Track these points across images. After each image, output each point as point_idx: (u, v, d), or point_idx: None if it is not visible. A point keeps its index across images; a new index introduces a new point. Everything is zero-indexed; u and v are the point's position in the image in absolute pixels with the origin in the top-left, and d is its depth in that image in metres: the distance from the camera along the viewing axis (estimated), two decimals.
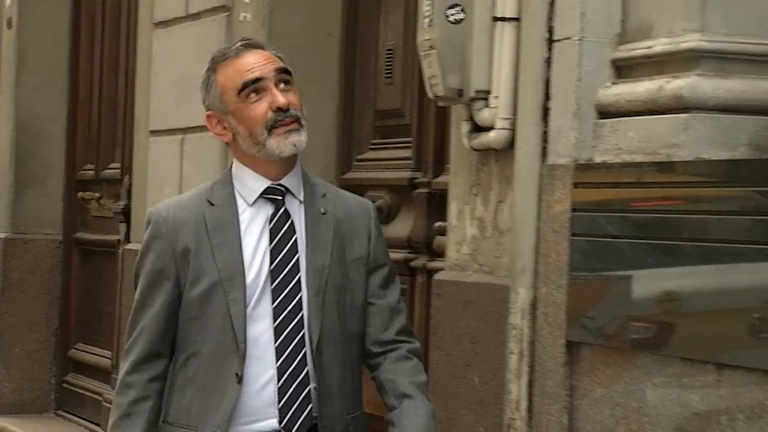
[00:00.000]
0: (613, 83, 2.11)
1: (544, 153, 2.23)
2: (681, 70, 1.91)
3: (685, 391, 1.79)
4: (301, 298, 1.72)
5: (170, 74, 4.04)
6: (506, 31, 2.38)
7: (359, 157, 3.52)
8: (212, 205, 1.74)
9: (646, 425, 1.87)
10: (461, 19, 2.41)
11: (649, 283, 1.91)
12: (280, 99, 1.68)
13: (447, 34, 2.42)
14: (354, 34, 3.54)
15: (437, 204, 2.95)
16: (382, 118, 3.42)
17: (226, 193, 1.75)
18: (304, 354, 1.70)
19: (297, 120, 1.70)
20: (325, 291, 1.73)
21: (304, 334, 1.71)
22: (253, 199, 1.74)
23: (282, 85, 1.70)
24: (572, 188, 2.08)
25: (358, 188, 3.20)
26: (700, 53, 1.87)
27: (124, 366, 1.75)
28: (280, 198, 1.75)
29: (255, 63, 1.72)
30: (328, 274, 1.73)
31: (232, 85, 1.71)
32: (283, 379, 1.69)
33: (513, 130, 2.33)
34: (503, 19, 2.38)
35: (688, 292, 1.83)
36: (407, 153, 3.24)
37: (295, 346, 1.70)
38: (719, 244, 1.73)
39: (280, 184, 1.74)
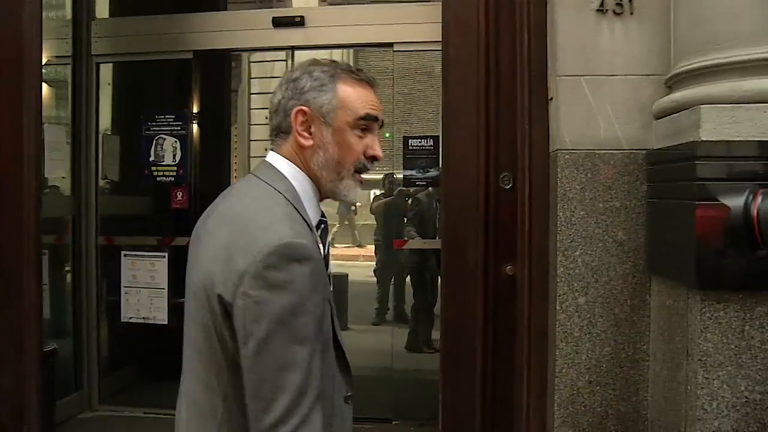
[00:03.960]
0: None
1: None
2: None
3: None
4: None
5: None
6: None
7: None
8: (308, 225, 1.52)
9: None
10: None
11: None
12: (380, 152, 1.57)
13: None
14: None
15: None
16: None
17: (303, 214, 1.52)
18: None
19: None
20: None
21: None
22: (314, 224, 1.55)
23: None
24: None
25: None
26: None
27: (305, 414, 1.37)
28: (324, 227, 1.61)
29: (378, 105, 1.59)
30: None
31: (354, 107, 1.55)
32: None
33: None
34: None
35: None
36: None
37: None
38: None
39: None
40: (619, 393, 2.88)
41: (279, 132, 1.59)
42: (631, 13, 2.88)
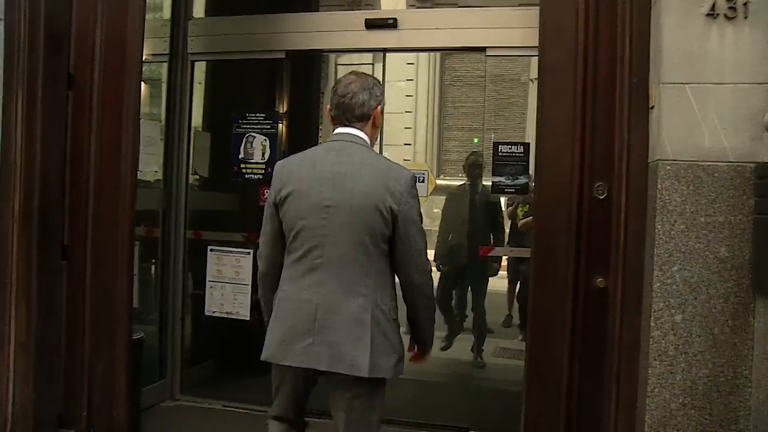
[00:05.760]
0: None
1: None
2: None
3: None
4: None
5: None
6: None
7: None
8: None
9: None
10: None
11: None
12: None
13: None
14: None
15: None
16: None
17: None
18: None
19: None
20: None
21: None
22: None
23: None
24: None
25: None
26: None
27: None
28: None
29: None
30: None
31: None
32: None
33: None
34: None
35: None
36: None
37: None
38: None
39: None
40: (717, 419, 2.74)
41: (362, 118, 2.64)
42: (745, 17, 2.75)
